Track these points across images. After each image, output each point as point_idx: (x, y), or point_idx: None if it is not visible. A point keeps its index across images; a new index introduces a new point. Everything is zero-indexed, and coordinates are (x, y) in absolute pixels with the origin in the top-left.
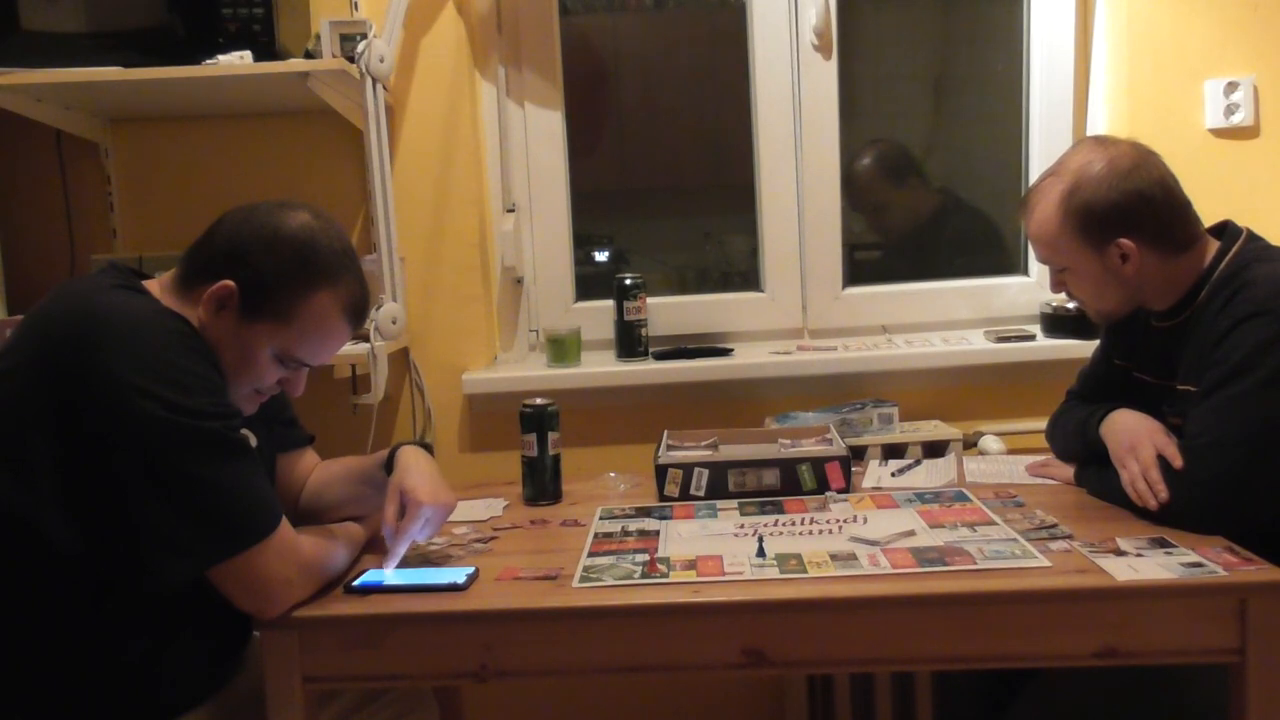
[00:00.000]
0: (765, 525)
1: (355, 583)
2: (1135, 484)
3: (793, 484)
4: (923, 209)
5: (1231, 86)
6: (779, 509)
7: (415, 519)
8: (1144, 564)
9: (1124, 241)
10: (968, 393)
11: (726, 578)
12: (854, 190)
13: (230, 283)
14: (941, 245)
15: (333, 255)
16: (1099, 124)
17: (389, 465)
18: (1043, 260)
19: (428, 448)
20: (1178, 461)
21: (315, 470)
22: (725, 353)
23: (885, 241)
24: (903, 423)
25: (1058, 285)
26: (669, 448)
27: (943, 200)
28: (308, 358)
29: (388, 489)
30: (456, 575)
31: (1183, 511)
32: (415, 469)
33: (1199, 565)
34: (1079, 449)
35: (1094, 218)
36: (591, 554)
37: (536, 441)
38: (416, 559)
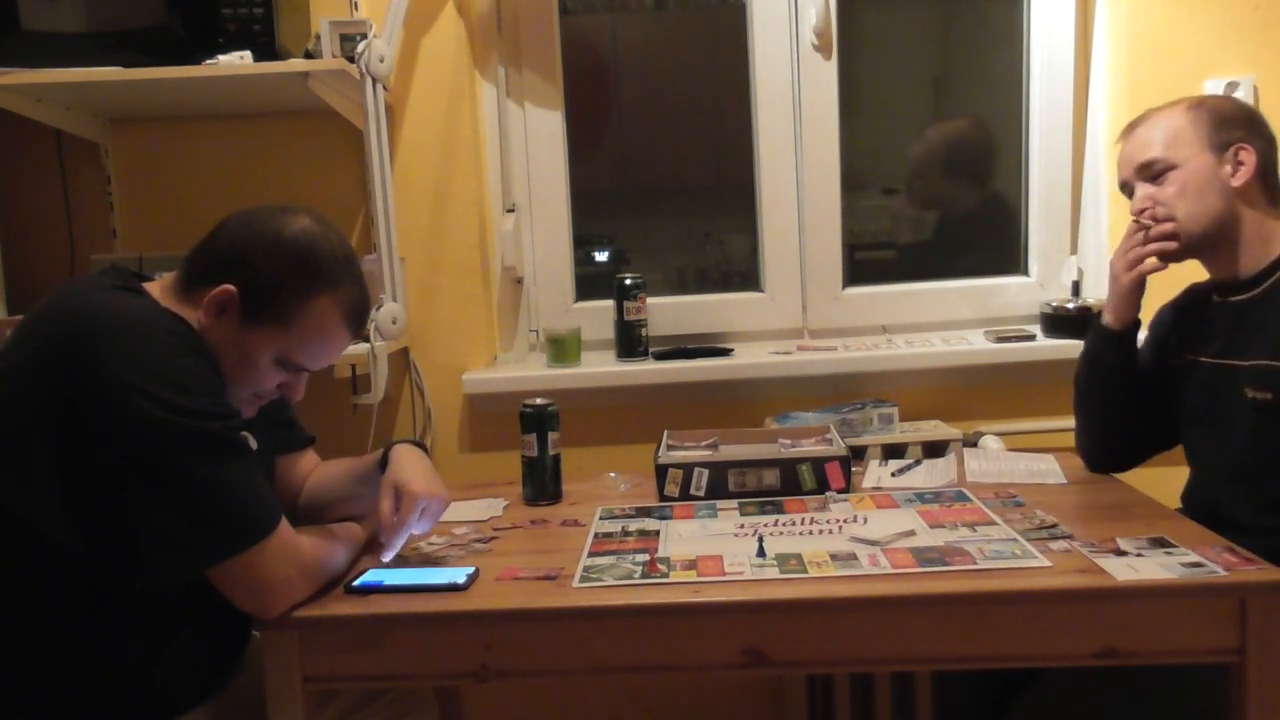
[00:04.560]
0: (765, 525)
1: (355, 583)
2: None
3: (793, 484)
4: (959, 205)
5: (1231, 86)
6: (779, 509)
7: (412, 510)
8: (1144, 564)
9: (1244, 147)
10: (968, 393)
11: (726, 578)
12: (924, 159)
13: (231, 287)
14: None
15: (334, 260)
16: (1099, 124)
17: (384, 463)
18: (1144, 164)
19: (422, 447)
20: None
21: (314, 471)
22: (725, 353)
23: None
24: (903, 423)
25: (1145, 201)
26: (669, 448)
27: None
28: (308, 362)
29: (381, 484)
30: (456, 575)
31: None
32: (409, 464)
33: (1199, 565)
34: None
35: (1224, 117)
36: (591, 554)
37: (536, 441)
38: (417, 559)
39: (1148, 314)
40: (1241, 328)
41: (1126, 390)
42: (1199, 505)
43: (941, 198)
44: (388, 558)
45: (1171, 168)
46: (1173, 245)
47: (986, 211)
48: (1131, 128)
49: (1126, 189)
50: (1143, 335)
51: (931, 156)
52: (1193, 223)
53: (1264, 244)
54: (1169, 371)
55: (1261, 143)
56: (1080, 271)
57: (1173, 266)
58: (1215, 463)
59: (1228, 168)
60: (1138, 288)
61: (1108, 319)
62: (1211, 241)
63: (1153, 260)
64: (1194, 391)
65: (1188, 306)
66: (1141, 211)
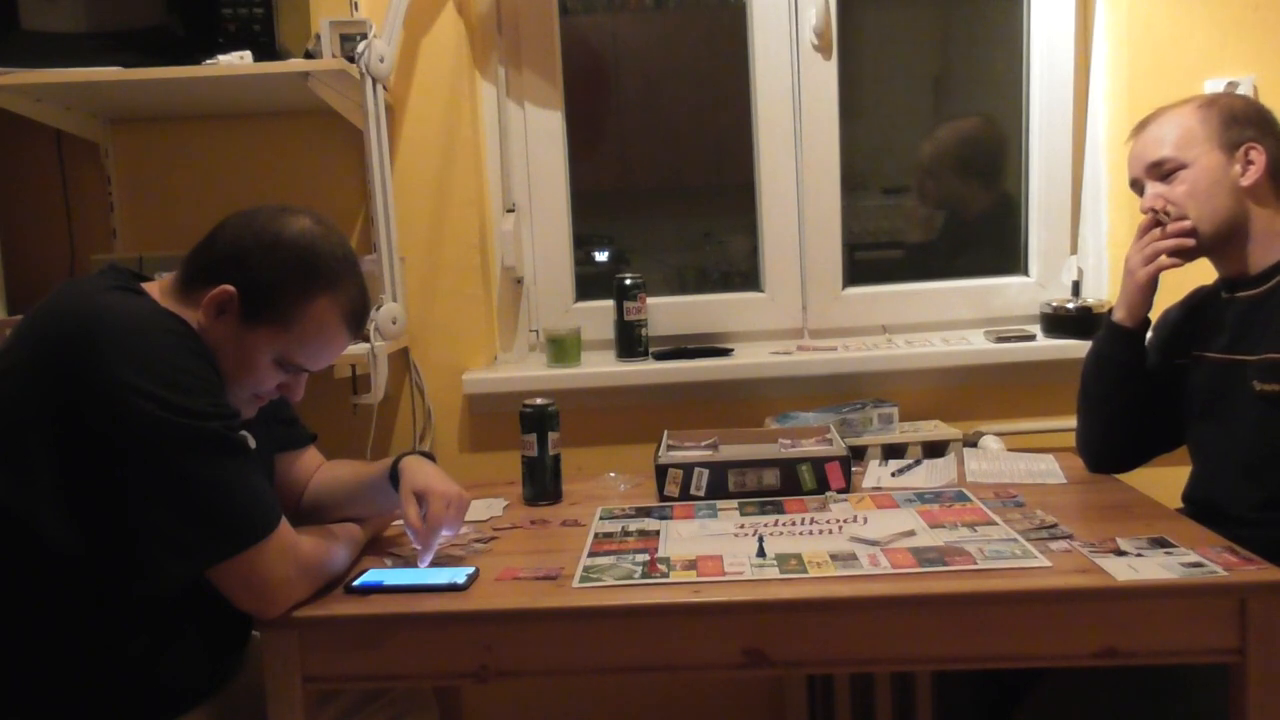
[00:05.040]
0: (765, 525)
1: (355, 583)
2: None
3: (793, 484)
4: (971, 206)
5: (1231, 86)
6: (779, 509)
7: (443, 510)
8: (1144, 564)
9: (1255, 147)
10: (968, 393)
11: (727, 578)
12: (935, 158)
13: (230, 287)
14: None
15: (334, 261)
16: (1099, 124)
17: (393, 474)
18: (1154, 163)
19: (429, 457)
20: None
21: (320, 470)
22: (725, 353)
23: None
24: (903, 423)
25: (1155, 200)
26: (669, 448)
27: (995, 203)
28: (307, 363)
29: (401, 495)
30: (456, 575)
31: None
32: (425, 472)
33: (1199, 565)
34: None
35: (1235, 116)
36: (591, 554)
37: (536, 441)
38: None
39: (1153, 317)
40: (1250, 323)
41: (1134, 389)
42: (1202, 501)
43: (952, 197)
44: (425, 562)
45: (1182, 167)
46: (1190, 242)
47: (989, 211)
48: (1143, 125)
49: (1137, 187)
50: (1148, 337)
51: (943, 155)
52: (1203, 222)
53: (1274, 241)
54: (1175, 371)
55: (1272, 142)
56: (1080, 271)
57: (1177, 269)
58: (1221, 457)
59: (1238, 167)
60: (1152, 283)
61: (1119, 315)
62: (1222, 240)
63: (1165, 258)
64: (1201, 386)
65: (1194, 307)
66: (1152, 209)
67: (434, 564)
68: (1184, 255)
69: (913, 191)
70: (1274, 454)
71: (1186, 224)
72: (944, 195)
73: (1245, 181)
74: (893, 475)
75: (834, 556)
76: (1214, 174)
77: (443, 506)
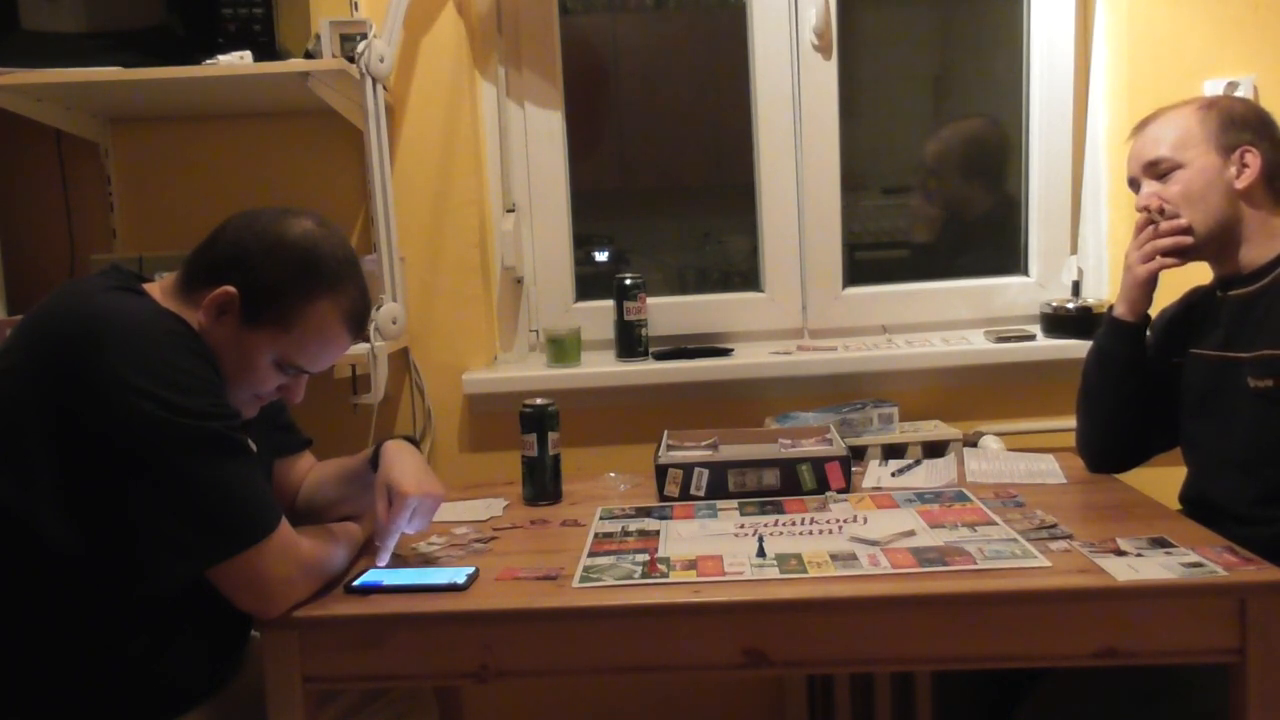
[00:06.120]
0: (765, 525)
1: (355, 583)
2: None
3: (793, 484)
4: (975, 207)
5: (1231, 86)
6: (779, 509)
7: (402, 511)
8: (1144, 564)
9: (1250, 150)
10: (968, 393)
11: (727, 578)
12: (939, 160)
13: (231, 288)
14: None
15: (335, 263)
16: (1099, 124)
17: (375, 462)
18: (1151, 163)
19: (413, 442)
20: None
21: (310, 472)
22: (725, 353)
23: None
24: (903, 423)
25: (1150, 199)
26: (669, 448)
27: (995, 204)
28: (308, 365)
29: (376, 487)
30: (456, 575)
31: None
32: (399, 463)
33: (1199, 565)
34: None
35: (1234, 119)
36: (591, 554)
37: (536, 441)
38: (417, 559)
39: (1151, 314)
40: (1245, 321)
41: (1135, 385)
42: (1198, 500)
43: (956, 197)
44: (383, 561)
45: (1178, 167)
46: (1189, 240)
47: (990, 211)
48: (1143, 125)
49: (1134, 185)
50: (1146, 336)
51: (949, 155)
52: (1197, 223)
53: (1267, 240)
54: (1172, 369)
55: (1268, 146)
56: (1080, 271)
57: (1177, 270)
58: (1216, 455)
59: (1233, 169)
60: (1152, 280)
61: (1120, 311)
62: (1216, 240)
63: (1162, 257)
64: (1196, 384)
65: (1190, 306)
66: (1146, 208)
67: (434, 564)
68: (1182, 254)
69: (917, 191)
70: (1270, 450)
71: (1181, 223)
72: (948, 195)
73: (1239, 184)
74: (893, 475)
75: (834, 556)
76: (1208, 175)
77: (404, 509)
